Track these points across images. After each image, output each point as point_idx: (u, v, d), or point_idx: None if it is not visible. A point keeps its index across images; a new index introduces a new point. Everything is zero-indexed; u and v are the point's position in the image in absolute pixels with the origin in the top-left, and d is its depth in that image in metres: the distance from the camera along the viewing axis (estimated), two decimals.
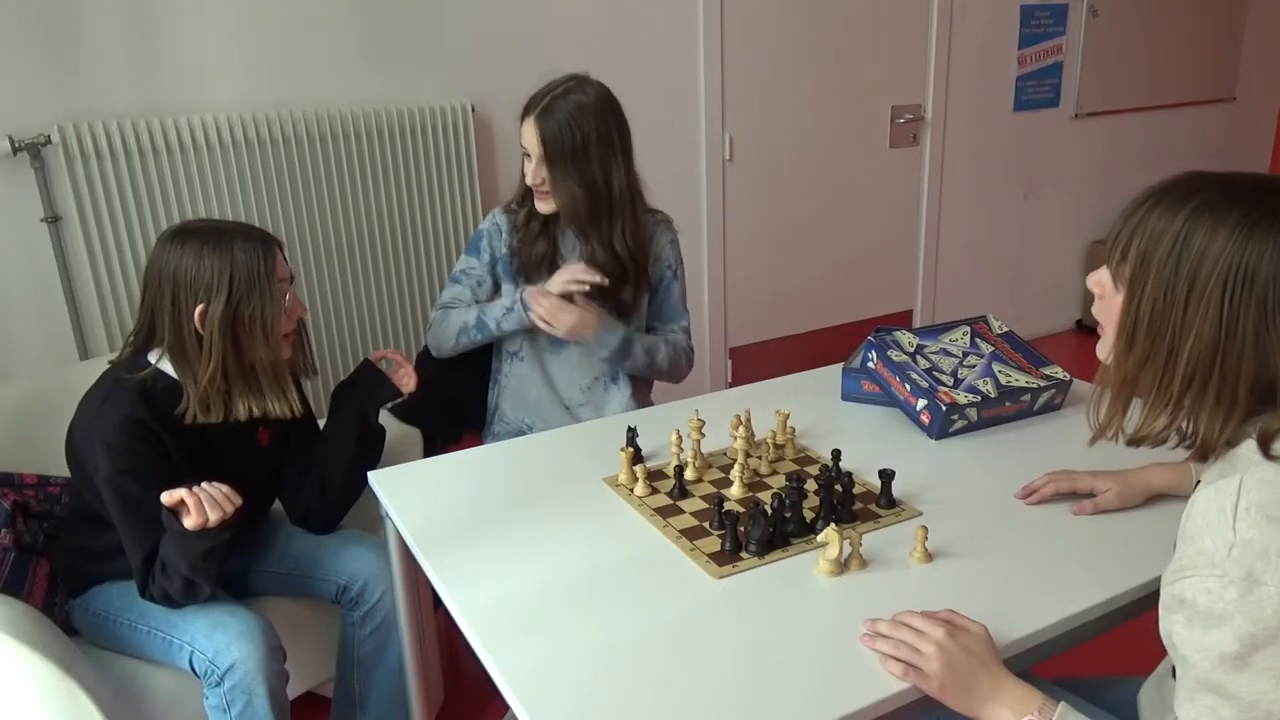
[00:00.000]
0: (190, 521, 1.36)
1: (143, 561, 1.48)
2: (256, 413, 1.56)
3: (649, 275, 1.97)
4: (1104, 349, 1.02)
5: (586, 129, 1.78)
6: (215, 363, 1.50)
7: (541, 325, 1.84)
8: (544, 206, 1.87)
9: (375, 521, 1.65)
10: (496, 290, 1.98)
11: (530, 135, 1.81)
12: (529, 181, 1.85)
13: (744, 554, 1.26)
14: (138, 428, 1.48)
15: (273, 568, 1.75)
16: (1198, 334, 0.90)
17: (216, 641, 1.50)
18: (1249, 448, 0.89)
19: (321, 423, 1.80)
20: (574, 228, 1.89)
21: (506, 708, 1.04)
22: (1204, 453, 0.93)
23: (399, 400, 1.81)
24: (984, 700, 0.99)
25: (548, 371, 1.99)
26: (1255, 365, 0.88)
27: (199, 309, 1.49)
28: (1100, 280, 1.02)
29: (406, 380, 1.78)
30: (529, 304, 1.84)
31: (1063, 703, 0.97)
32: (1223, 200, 0.91)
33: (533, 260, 1.91)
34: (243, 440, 1.65)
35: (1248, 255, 0.87)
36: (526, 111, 1.83)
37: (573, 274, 1.82)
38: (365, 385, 1.77)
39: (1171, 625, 0.88)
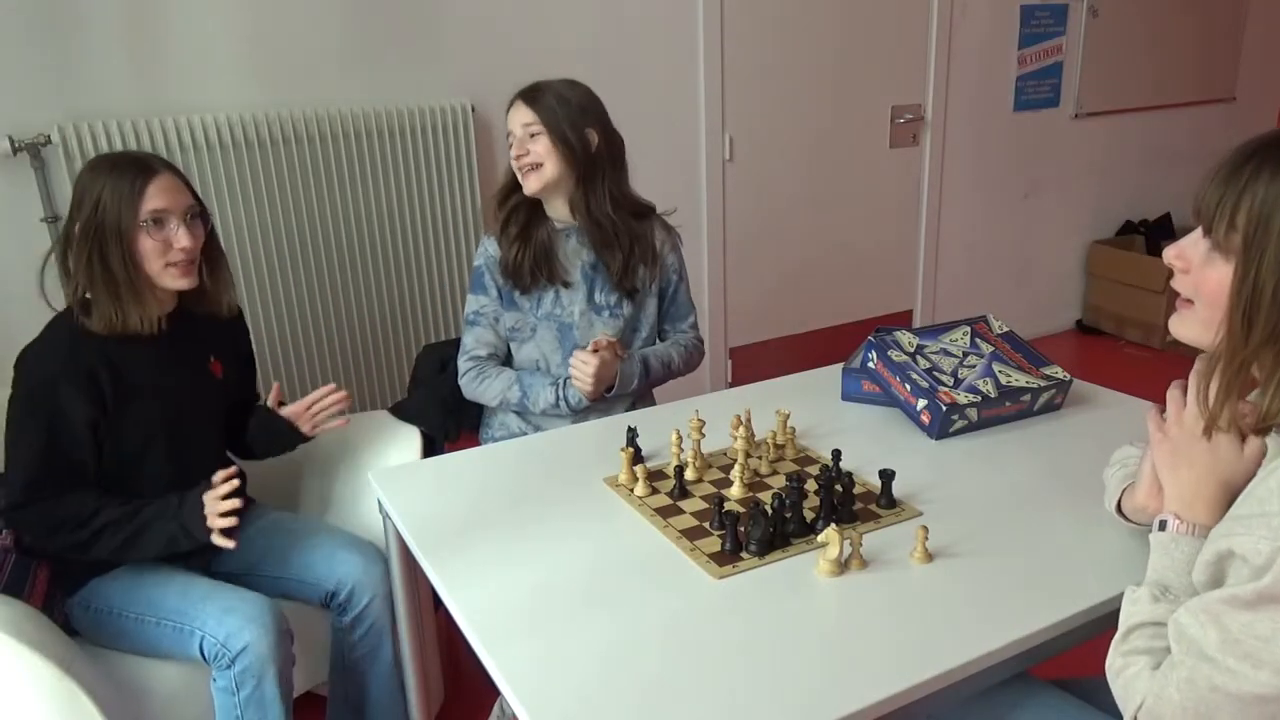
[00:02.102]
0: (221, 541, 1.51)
1: (24, 487, 1.55)
2: (116, 319, 1.59)
3: (654, 258, 1.99)
4: (1188, 326, 0.97)
5: (574, 96, 1.87)
6: (80, 268, 1.57)
7: (582, 386, 1.86)
8: (533, 184, 1.87)
9: (367, 523, 1.66)
10: None
11: (518, 112, 1.86)
12: (513, 153, 1.86)
13: (744, 554, 1.26)
14: (76, 367, 1.55)
15: (264, 571, 1.75)
16: None
17: (228, 625, 1.53)
18: None
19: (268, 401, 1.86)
20: (564, 197, 1.90)
21: (498, 695, 1.04)
22: None
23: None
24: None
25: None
26: None
27: (77, 225, 1.57)
28: (1183, 253, 0.95)
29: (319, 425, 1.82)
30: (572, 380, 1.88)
31: (1172, 538, 1.00)
32: None
33: (510, 265, 1.89)
34: (195, 370, 1.73)
35: None
36: (515, 98, 1.88)
37: (580, 356, 1.85)
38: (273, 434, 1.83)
39: (1202, 573, 0.90)
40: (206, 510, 1.51)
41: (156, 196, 1.58)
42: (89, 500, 1.56)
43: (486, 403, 1.97)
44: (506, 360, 2.01)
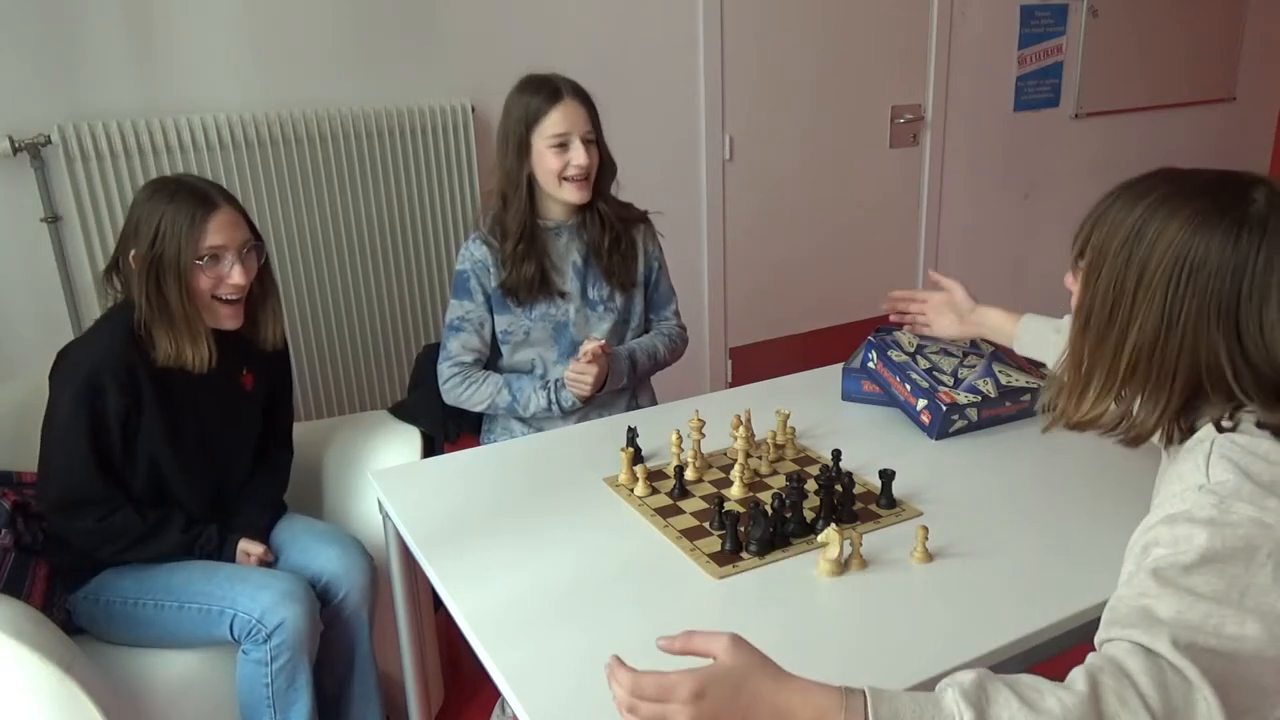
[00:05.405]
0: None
1: (60, 500, 1.57)
2: (172, 353, 1.59)
3: (635, 253, 1.99)
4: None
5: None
6: (140, 299, 1.57)
7: (580, 393, 1.86)
8: (586, 194, 1.85)
9: (366, 522, 1.66)
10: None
11: (578, 112, 1.81)
12: (580, 162, 1.80)
13: (744, 554, 1.27)
14: (115, 361, 1.56)
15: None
16: (1141, 324, 0.91)
17: (262, 602, 1.55)
18: (1208, 430, 0.92)
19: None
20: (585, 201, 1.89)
21: (498, 695, 1.04)
22: (1136, 439, 0.97)
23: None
24: None
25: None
26: (1190, 357, 0.90)
27: (133, 252, 1.57)
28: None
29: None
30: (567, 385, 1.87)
31: (868, 688, 0.80)
32: (1181, 194, 0.92)
33: (522, 283, 1.88)
34: (227, 381, 1.70)
35: (1194, 247, 0.88)
36: (558, 94, 1.81)
37: (578, 367, 1.83)
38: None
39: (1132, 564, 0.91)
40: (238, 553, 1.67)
41: (216, 233, 1.57)
42: (133, 521, 1.60)
43: (472, 408, 1.94)
44: (489, 365, 1.99)
